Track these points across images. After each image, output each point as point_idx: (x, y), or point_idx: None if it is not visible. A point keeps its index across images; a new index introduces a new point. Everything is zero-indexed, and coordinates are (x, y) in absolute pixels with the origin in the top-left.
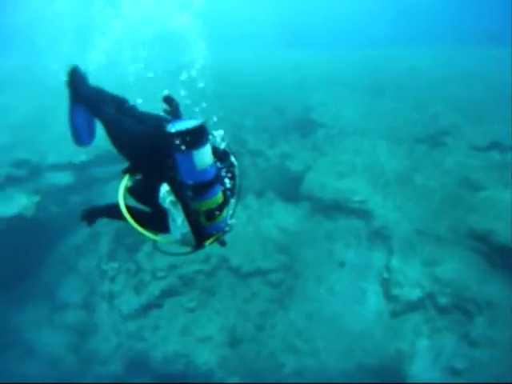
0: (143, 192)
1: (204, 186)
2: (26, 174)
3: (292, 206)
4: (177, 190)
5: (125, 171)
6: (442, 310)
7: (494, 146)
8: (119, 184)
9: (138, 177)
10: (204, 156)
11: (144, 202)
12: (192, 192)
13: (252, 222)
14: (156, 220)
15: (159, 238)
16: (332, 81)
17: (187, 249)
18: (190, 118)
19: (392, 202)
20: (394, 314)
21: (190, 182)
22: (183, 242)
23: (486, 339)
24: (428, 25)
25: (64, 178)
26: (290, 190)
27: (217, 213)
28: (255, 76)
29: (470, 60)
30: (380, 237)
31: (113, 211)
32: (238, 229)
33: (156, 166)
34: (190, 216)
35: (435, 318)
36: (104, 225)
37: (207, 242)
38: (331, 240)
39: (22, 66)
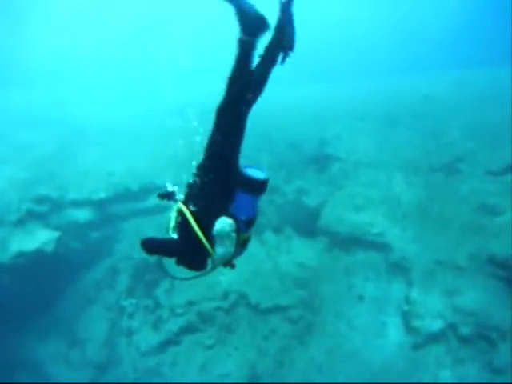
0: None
1: (253, 221)
2: (47, 209)
3: (310, 241)
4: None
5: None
6: (464, 340)
7: (510, 169)
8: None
9: (192, 208)
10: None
11: (190, 234)
12: (244, 225)
13: (270, 258)
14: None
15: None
16: (345, 113)
17: (200, 272)
18: (259, 167)
19: (410, 233)
20: (416, 347)
21: (243, 218)
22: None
23: (510, 366)
24: (434, 50)
25: (84, 215)
26: (308, 225)
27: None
28: (269, 112)
29: (480, 83)
30: (399, 269)
31: (168, 246)
32: (257, 265)
33: (223, 200)
34: (237, 245)
35: (457, 348)
36: (123, 260)
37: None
38: (350, 274)
39: (43, 103)
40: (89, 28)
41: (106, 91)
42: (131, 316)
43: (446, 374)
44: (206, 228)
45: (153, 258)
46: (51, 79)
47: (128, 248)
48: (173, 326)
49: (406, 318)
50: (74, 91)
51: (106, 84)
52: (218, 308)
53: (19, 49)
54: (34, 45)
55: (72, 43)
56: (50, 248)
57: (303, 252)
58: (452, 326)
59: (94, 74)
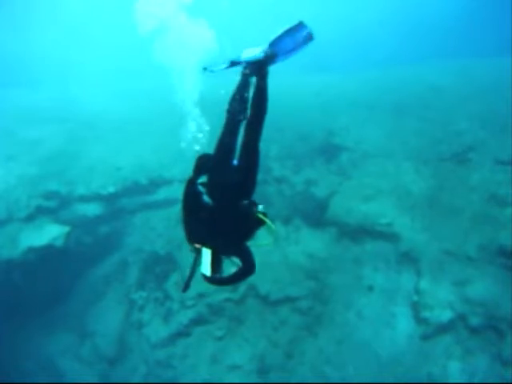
0: None
1: None
2: (56, 205)
3: (319, 232)
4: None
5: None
6: (473, 331)
7: None
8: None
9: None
10: None
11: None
12: None
13: (279, 249)
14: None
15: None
16: (353, 103)
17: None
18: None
19: (419, 223)
20: (425, 337)
21: None
22: None
23: None
24: (438, 40)
25: (93, 209)
26: (316, 215)
27: None
28: (277, 103)
29: (487, 73)
30: (408, 259)
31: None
32: (266, 256)
33: None
34: None
35: (467, 339)
36: (132, 254)
37: None
38: (359, 264)
39: (49, 99)
40: (93, 23)
41: (112, 86)
42: (141, 309)
43: (455, 365)
44: None
45: (162, 251)
46: (57, 76)
47: (137, 241)
48: (183, 318)
49: (416, 308)
50: (80, 87)
51: (112, 79)
52: (228, 300)
53: (24, 47)
54: (39, 43)
55: (77, 39)
56: (59, 243)
57: (312, 243)
58: (461, 317)
59: (100, 69)
